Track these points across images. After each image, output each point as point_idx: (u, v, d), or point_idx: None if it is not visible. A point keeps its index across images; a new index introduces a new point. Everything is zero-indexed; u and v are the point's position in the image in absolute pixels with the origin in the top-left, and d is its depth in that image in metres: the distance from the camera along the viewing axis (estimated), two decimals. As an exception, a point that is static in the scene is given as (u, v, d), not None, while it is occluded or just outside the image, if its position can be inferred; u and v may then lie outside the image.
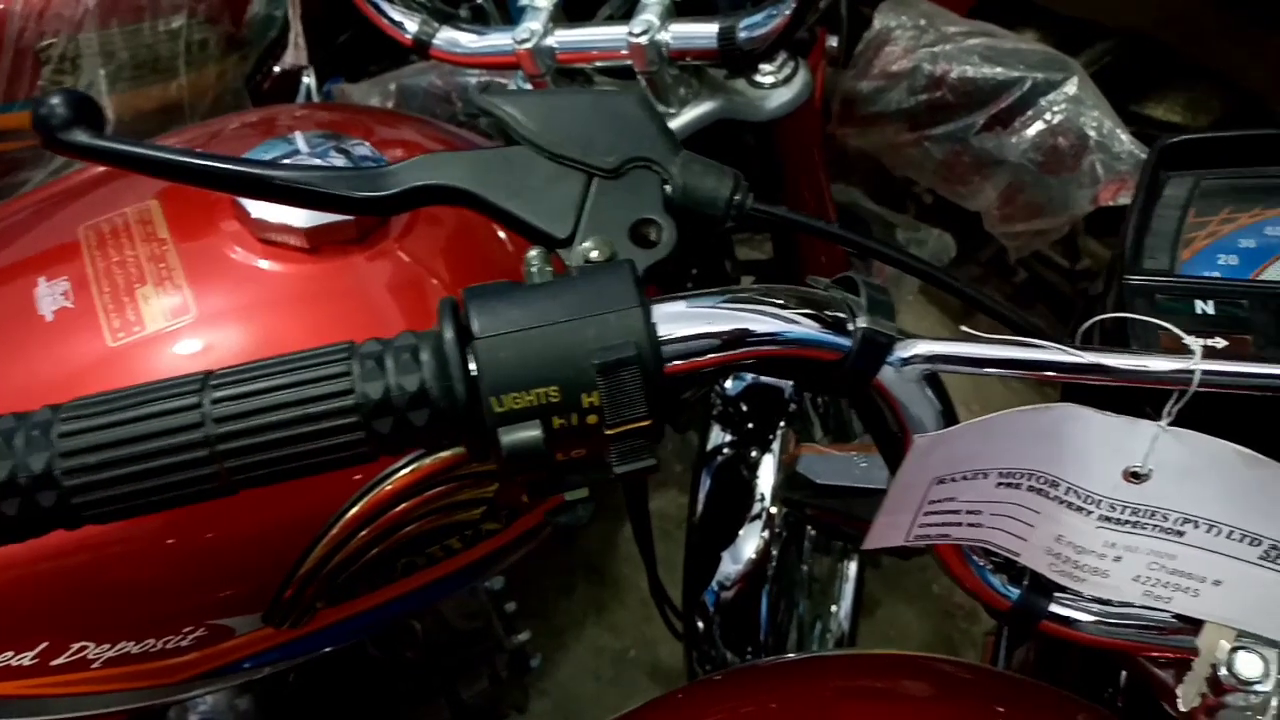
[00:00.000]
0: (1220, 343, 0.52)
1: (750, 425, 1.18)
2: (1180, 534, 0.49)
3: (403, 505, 0.65)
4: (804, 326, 0.46)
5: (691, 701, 0.61)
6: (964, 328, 0.47)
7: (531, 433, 0.40)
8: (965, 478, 0.50)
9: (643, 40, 0.75)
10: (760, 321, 0.45)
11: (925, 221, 1.37)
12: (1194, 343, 0.45)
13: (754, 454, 1.17)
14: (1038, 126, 0.90)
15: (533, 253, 0.45)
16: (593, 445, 0.41)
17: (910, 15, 0.90)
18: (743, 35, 0.75)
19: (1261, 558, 0.48)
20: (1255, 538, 0.48)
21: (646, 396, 0.41)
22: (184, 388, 0.40)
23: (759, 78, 0.82)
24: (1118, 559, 0.50)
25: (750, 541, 1.11)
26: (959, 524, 0.52)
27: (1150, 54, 1.62)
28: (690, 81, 0.81)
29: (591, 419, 0.41)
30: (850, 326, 0.46)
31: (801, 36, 0.89)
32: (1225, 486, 0.47)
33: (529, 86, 0.84)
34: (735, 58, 0.76)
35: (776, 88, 0.82)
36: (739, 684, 0.63)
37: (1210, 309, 0.54)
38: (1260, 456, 0.45)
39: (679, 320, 0.44)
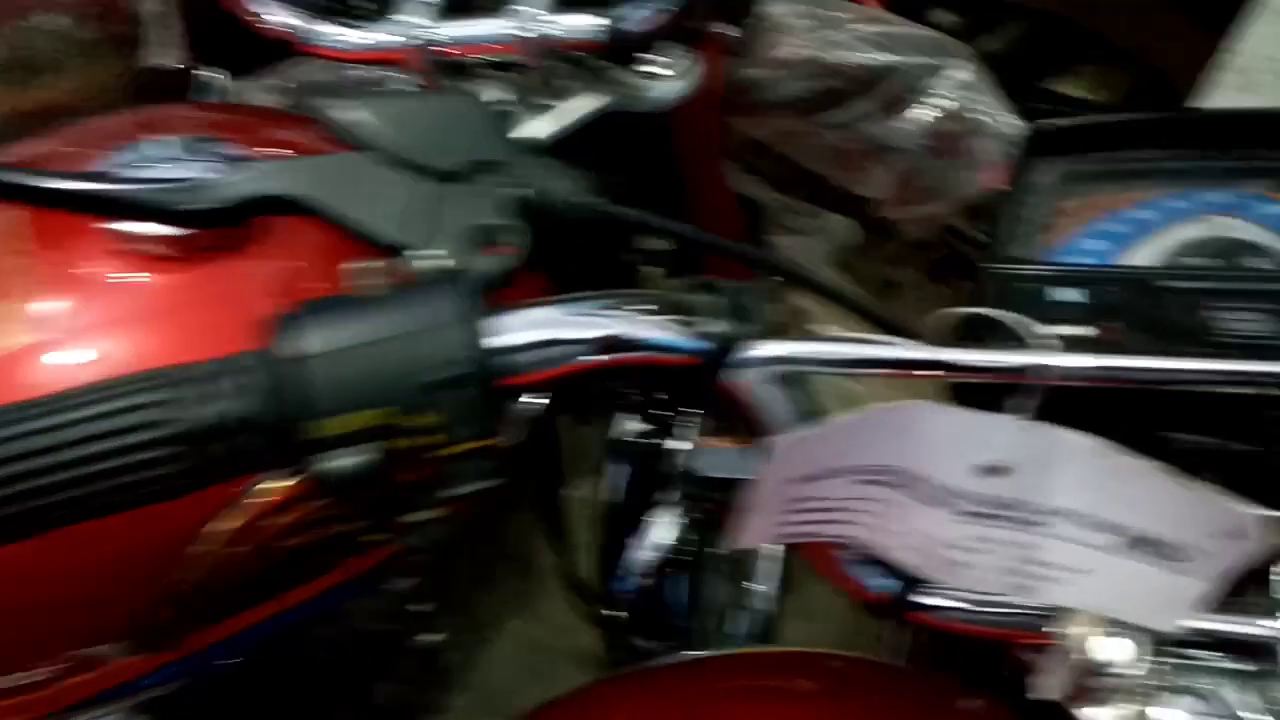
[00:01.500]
0: (1090, 331, 0.52)
1: (659, 409, 1.17)
2: (1043, 526, 0.49)
3: (283, 517, 0.63)
4: (650, 333, 0.45)
5: (573, 708, 0.61)
6: (809, 326, 0.47)
7: (357, 459, 0.38)
8: (824, 477, 0.50)
9: (527, 33, 0.74)
10: (606, 329, 0.45)
11: (851, 207, 1.37)
12: (1038, 337, 0.45)
13: (664, 437, 1.16)
14: (928, 112, 0.90)
15: (362, 264, 0.43)
16: (429, 467, 0.40)
17: (802, 2, 0.89)
18: (631, 27, 0.74)
19: (1126, 547, 0.49)
20: (1118, 528, 0.48)
21: (483, 414, 0.40)
22: None
23: (651, 69, 0.81)
24: (982, 552, 0.51)
25: (663, 527, 1.10)
26: (822, 521, 0.52)
27: (1063, 32, 1.63)
28: (580, 74, 0.80)
29: (425, 440, 0.39)
30: (700, 330, 0.45)
31: (696, 25, 0.88)
32: (1085, 478, 0.47)
33: (414, 82, 0.82)
34: (624, 49, 0.75)
35: (669, 79, 0.81)
36: (623, 689, 0.63)
37: (1077, 296, 0.54)
38: (1117, 448, 0.46)
39: (518, 331, 0.43)
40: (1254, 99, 1.08)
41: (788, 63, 0.88)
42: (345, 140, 0.47)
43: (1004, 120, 0.89)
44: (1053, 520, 0.49)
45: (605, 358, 0.45)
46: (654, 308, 0.45)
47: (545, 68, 0.77)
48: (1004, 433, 0.46)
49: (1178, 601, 0.50)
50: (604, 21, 0.74)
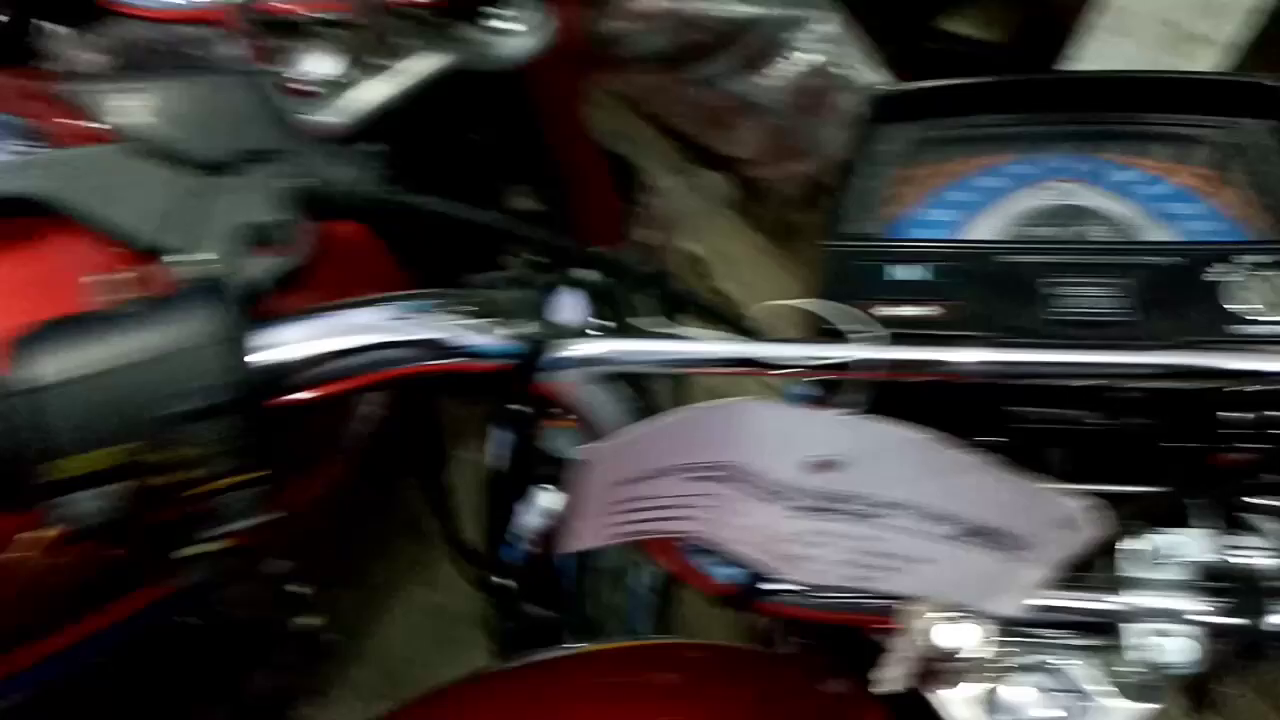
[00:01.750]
0: (929, 311, 0.50)
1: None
2: (878, 517, 0.47)
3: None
4: (453, 337, 0.41)
5: (430, 709, 0.59)
6: (630, 320, 0.44)
7: (100, 501, 0.34)
8: (653, 476, 0.47)
9: (352, -11, 0.68)
10: (403, 334, 0.41)
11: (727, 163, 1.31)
12: (853, 328, 0.43)
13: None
14: (791, 67, 0.86)
15: (110, 275, 0.39)
16: (188, 505, 0.36)
17: (658, -51, 0.84)
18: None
19: (959, 535, 0.47)
20: (953, 518, 0.47)
21: (249, 443, 0.36)
22: None
23: (495, 22, 0.76)
24: (821, 545, 0.49)
25: (549, 494, 1.07)
26: (655, 518, 0.50)
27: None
28: (416, 30, 0.74)
29: (180, 475, 0.36)
30: (510, 333, 0.42)
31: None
32: (914, 470, 0.45)
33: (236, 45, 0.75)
34: (466, 4, 0.70)
35: (519, 34, 0.77)
36: (481, 690, 0.61)
37: (916, 274, 0.51)
38: (942, 440, 0.44)
39: (296, 343, 0.39)
40: (1128, 42, 1.06)
41: (647, 15, 0.84)
42: (104, 129, 0.42)
43: (871, 75, 0.86)
44: (888, 512, 0.47)
45: (404, 367, 0.41)
46: (461, 309, 0.42)
47: (379, 25, 0.71)
48: (832, 428, 0.44)
49: (1018, 586, 0.49)
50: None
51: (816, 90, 0.86)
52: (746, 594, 0.53)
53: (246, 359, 0.37)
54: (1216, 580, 0.51)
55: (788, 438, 0.45)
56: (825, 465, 0.45)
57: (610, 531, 0.49)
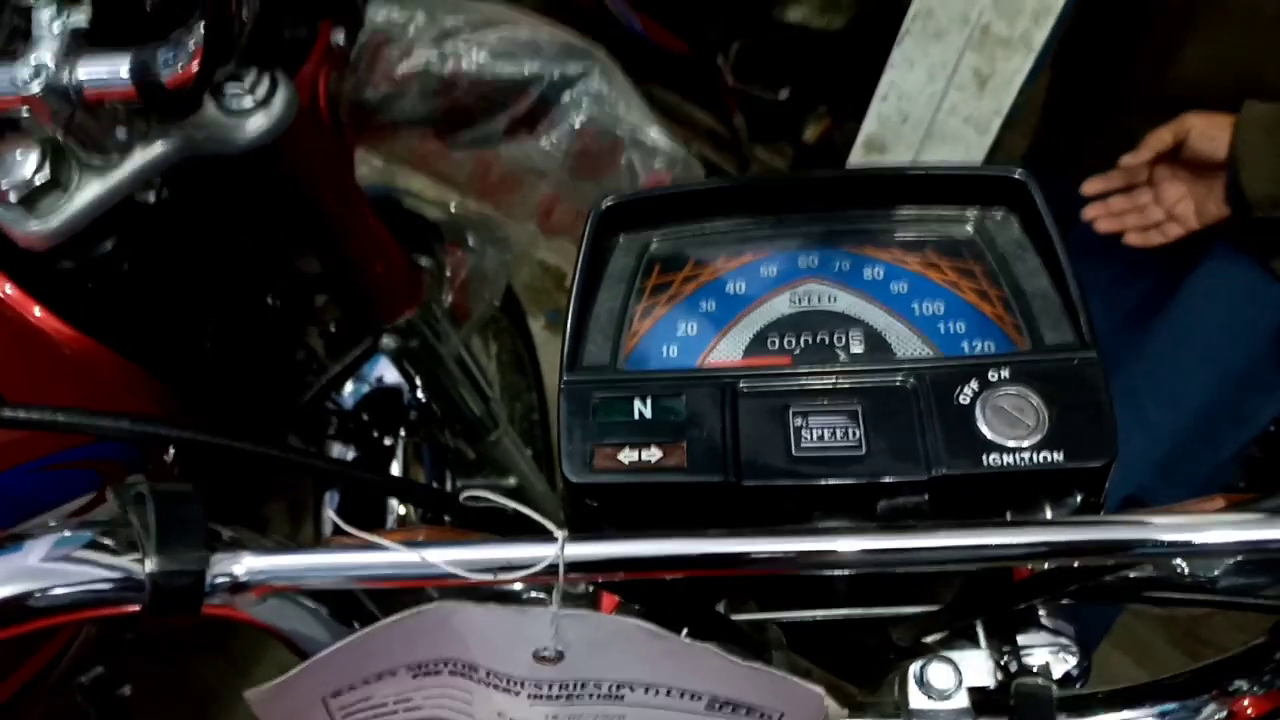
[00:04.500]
0: (655, 454, 0.46)
1: (375, 434, 1.09)
2: (620, 698, 0.44)
3: None
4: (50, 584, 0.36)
5: None
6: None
7: None
8: (372, 679, 0.43)
9: (35, 88, 0.60)
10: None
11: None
12: (556, 530, 0.38)
13: (379, 464, 1.09)
14: (564, 128, 0.79)
15: None
16: None
17: (408, 6, 0.76)
18: (165, 72, 0.61)
19: (708, 708, 0.44)
20: (693, 693, 0.43)
21: None
22: None
23: (230, 102, 0.69)
24: (573, 725, 0.45)
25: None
26: (394, 712, 0.45)
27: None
28: (134, 120, 0.67)
29: None
30: (132, 566, 0.36)
31: (298, 34, 0.76)
32: (642, 656, 0.42)
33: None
34: (161, 99, 0.62)
35: (257, 111, 0.69)
36: None
37: (649, 412, 0.46)
38: (659, 630, 0.40)
39: None
40: (938, 46, 1.03)
41: (401, 78, 0.77)
42: None
43: (643, 129, 0.80)
44: (627, 692, 0.43)
45: None
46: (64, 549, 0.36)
47: (84, 124, 0.64)
48: (542, 623, 0.40)
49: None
50: (123, 68, 0.60)
51: (591, 151, 0.80)
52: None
53: None
54: (1001, 701, 0.49)
55: (503, 634, 0.41)
56: (554, 658, 0.41)
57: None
